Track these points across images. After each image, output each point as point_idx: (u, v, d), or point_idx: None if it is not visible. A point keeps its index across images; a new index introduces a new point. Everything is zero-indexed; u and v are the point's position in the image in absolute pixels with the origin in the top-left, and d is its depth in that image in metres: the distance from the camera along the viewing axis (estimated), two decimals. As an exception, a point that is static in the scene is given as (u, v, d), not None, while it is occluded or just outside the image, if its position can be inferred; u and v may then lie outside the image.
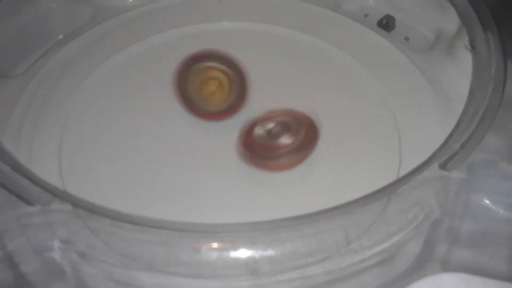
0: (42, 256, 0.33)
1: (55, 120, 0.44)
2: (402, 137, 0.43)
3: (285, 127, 0.40)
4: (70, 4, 0.55)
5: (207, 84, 0.43)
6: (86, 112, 0.45)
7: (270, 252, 0.33)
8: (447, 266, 0.35)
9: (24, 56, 0.51)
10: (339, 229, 0.34)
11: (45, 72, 0.48)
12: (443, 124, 0.41)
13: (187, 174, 0.41)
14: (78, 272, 0.33)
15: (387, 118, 0.45)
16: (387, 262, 0.35)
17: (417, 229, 0.35)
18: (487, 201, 0.37)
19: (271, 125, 0.40)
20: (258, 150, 0.39)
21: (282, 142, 0.39)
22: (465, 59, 0.46)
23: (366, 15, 0.56)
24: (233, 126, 0.42)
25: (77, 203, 0.34)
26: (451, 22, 0.51)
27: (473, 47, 0.45)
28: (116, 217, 0.33)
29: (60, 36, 0.53)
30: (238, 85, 0.43)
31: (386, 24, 0.54)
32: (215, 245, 0.33)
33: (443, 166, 0.36)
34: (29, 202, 0.34)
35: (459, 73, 0.46)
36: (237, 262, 0.33)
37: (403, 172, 0.40)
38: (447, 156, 0.36)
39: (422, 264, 0.35)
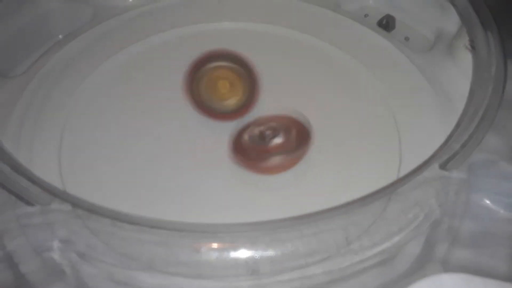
0: (42, 256, 0.33)
1: (55, 120, 0.44)
2: (402, 137, 0.43)
3: (276, 131, 0.39)
4: (70, 4, 0.55)
5: (219, 85, 0.43)
6: (86, 112, 0.45)
7: (270, 252, 0.33)
8: (447, 266, 0.35)
9: (24, 56, 0.51)
10: (339, 229, 0.34)
11: (45, 72, 0.48)
12: (443, 124, 0.41)
13: (187, 174, 0.41)
14: (77, 272, 0.33)
15: (387, 118, 0.45)
16: (387, 262, 0.35)
17: (417, 229, 0.35)
18: (487, 201, 0.37)
19: (261, 128, 0.40)
20: (249, 153, 0.39)
21: (273, 145, 0.39)
22: (465, 59, 0.46)
23: (366, 15, 0.56)
24: (234, 126, 0.42)
25: (76, 203, 0.34)
26: (451, 22, 0.51)
27: (473, 47, 0.44)
28: (116, 217, 0.33)
29: (60, 36, 0.53)
30: (249, 84, 0.43)
31: (386, 24, 0.54)
32: (215, 245, 0.33)
33: (443, 166, 0.36)
34: (28, 202, 0.34)
35: (459, 73, 0.46)
36: (237, 262, 0.33)
37: (403, 172, 0.40)
38: (447, 156, 0.36)
39: (423, 264, 0.35)
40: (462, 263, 0.35)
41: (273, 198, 0.40)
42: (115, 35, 0.52)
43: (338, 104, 0.46)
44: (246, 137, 0.40)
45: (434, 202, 0.35)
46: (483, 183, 0.37)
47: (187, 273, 0.33)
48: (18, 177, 0.34)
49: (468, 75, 0.44)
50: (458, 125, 0.39)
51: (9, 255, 0.34)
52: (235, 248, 0.33)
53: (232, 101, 0.43)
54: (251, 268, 0.33)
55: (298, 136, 0.39)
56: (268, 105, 0.44)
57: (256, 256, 0.33)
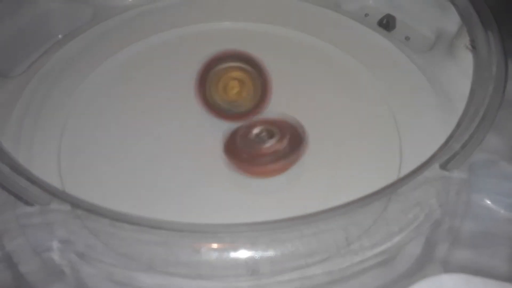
0: (41, 256, 0.33)
1: (55, 120, 0.44)
2: (403, 137, 0.43)
3: (269, 134, 0.39)
4: (69, 4, 0.54)
5: (231, 86, 0.43)
6: (85, 112, 0.45)
7: (270, 253, 0.33)
8: (447, 267, 0.35)
9: (24, 56, 0.51)
10: (339, 229, 0.34)
11: (45, 72, 0.48)
12: (444, 124, 0.41)
13: (187, 174, 0.40)
14: (77, 272, 0.33)
15: (387, 118, 0.45)
16: (388, 263, 0.35)
17: (417, 230, 0.35)
18: (488, 201, 0.37)
19: (254, 131, 0.40)
20: (242, 156, 0.39)
21: (267, 148, 0.39)
22: (466, 59, 0.46)
23: (366, 15, 0.56)
24: (234, 126, 0.42)
25: (76, 203, 0.34)
26: (451, 21, 0.51)
27: (473, 47, 0.44)
28: (115, 217, 0.33)
29: (60, 36, 0.53)
30: (261, 84, 0.43)
31: (387, 23, 0.54)
32: (215, 245, 0.33)
33: (443, 166, 0.36)
34: (28, 202, 0.34)
35: (459, 73, 0.46)
36: (237, 262, 0.33)
37: (403, 172, 0.40)
38: (447, 156, 0.36)
39: (423, 265, 0.35)
40: (462, 263, 0.35)
41: (273, 198, 0.40)
42: (115, 35, 0.52)
43: (338, 104, 0.46)
44: (239, 140, 0.40)
45: (434, 202, 0.35)
46: (483, 183, 0.37)
47: (187, 274, 0.33)
48: (18, 177, 0.34)
49: (468, 75, 0.44)
50: (458, 125, 0.39)
51: (9, 255, 0.34)
52: (235, 248, 0.33)
53: (244, 102, 0.43)
54: (251, 268, 0.33)
55: (292, 140, 0.39)
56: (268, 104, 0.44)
57: (256, 257, 0.33)
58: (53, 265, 0.33)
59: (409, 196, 0.35)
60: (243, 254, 0.33)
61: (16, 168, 0.35)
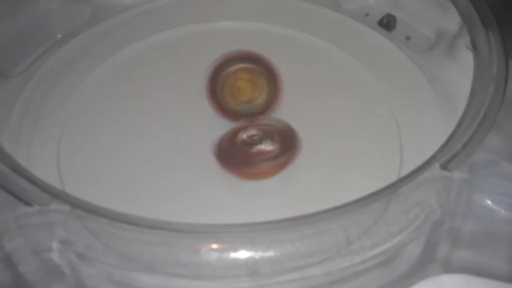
0: (41, 256, 0.33)
1: (54, 120, 0.44)
2: (403, 137, 0.43)
3: (261, 136, 0.39)
4: (69, 3, 0.54)
5: (243, 87, 0.43)
6: (85, 112, 0.45)
7: (270, 253, 0.33)
8: (448, 267, 0.35)
9: (23, 56, 0.51)
10: (339, 229, 0.34)
11: (44, 72, 0.48)
12: (444, 124, 0.41)
13: (187, 175, 0.40)
14: (77, 272, 0.33)
15: (387, 118, 0.45)
16: (388, 263, 0.34)
17: (418, 230, 0.35)
18: (489, 201, 0.37)
19: (247, 133, 0.40)
20: (234, 158, 0.39)
21: (258, 150, 0.39)
22: (466, 59, 0.46)
23: (366, 14, 0.56)
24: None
25: (75, 204, 0.34)
26: (452, 21, 0.50)
27: (474, 47, 0.44)
28: (115, 217, 0.33)
29: (59, 36, 0.53)
30: (272, 81, 0.43)
31: (387, 23, 0.54)
32: (215, 246, 0.33)
33: (444, 166, 0.36)
34: (27, 203, 0.34)
35: (460, 72, 0.46)
36: (237, 263, 0.32)
37: (404, 173, 0.40)
38: (448, 156, 0.36)
39: (423, 265, 0.35)
40: (463, 263, 0.35)
41: (274, 198, 0.40)
42: (115, 35, 0.52)
43: (338, 103, 0.46)
44: (231, 142, 0.40)
45: (435, 202, 0.35)
46: (484, 183, 0.37)
47: (186, 274, 0.33)
48: (17, 177, 0.34)
49: (469, 75, 0.44)
50: (459, 125, 0.39)
51: (8, 256, 0.34)
52: (235, 249, 0.32)
53: (258, 102, 0.43)
54: (251, 268, 0.33)
55: (283, 142, 0.39)
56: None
57: (256, 257, 0.32)
58: (52, 265, 0.33)
59: (409, 196, 0.35)
60: (243, 254, 0.32)
61: (16, 168, 0.35)
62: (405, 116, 0.44)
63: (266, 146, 0.39)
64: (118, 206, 0.33)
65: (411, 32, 0.54)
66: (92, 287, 0.33)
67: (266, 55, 0.43)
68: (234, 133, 0.40)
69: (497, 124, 0.37)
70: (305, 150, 0.40)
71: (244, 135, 0.40)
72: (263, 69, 0.43)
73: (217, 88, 0.43)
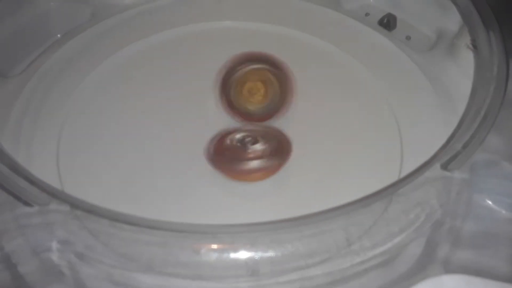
0: (40, 257, 0.33)
1: (54, 120, 0.44)
2: (403, 137, 0.43)
3: (255, 138, 0.40)
4: (68, 3, 0.54)
5: (256, 88, 0.43)
6: (85, 111, 0.45)
7: (270, 253, 0.33)
8: (448, 267, 0.35)
9: (23, 56, 0.51)
10: (339, 230, 0.34)
11: (44, 72, 0.48)
12: (445, 124, 0.41)
13: (187, 175, 0.40)
14: (76, 273, 0.33)
15: (387, 118, 0.45)
16: (388, 264, 0.34)
17: (418, 230, 0.35)
18: (489, 202, 0.37)
19: (240, 135, 0.40)
20: (228, 158, 0.39)
21: (252, 152, 0.39)
22: (467, 59, 0.45)
23: (367, 14, 0.56)
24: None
25: (75, 204, 0.34)
26: (452, 21, 0.50)
27: (475, 47, 0.44)
28: (115, 217, 0.33)
29: (59, 35, 0.53)
30: (284, 81, 0.43)
31: (387, 23, 0.54)
32: (214, 246, 0.33)
33: (445, 167, 0.36)
34: (27, 203, 0.34)
35: (460, 72, 0.46)
36: (237, 263, 0.32)
37: (404, 173, 0.39)
38: (449, 156, 0.36)
39: (424, 266, 0.35)
40: (463, 263, 0.35)
41: (273, 198, 0.40)
42: (114, 34, 0.52)
43: (338, 103, 0.46)
44: (224, 143, 0.40)
45: (435, 202, 0.35)
46: (485, 183, 0.37)
47: (186, 274, 0.33)
48: (17, 178, 0.34)
49: (469, 75, 0.44)
50: (459, 125, 0.39)
51: (8, 256, 0.34)
52: (235, 249, 0.32)
53: (271, 102, 0.43)
54: (251, 269, 0.33)
55: (274, 145, 0.39)
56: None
57: (256, 257, 0.32)
58: (52, 265, 0.33)
59: (410, 196, 0.35)
60: (243, 254, 0.32)
61: (15, 168, 0.35)
62: (405, 116, 0.44)
63: (257, 147, 0.39)
64: (117, 206, 0.33)
65: (411, 32, 0.54)
66: (92, 287, 0.33)
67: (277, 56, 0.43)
68: (223, 136, 0.41)
69: (498, 124, 0.37)
70: (305, 150, 0.40)
71: (235, 137, 0.40)
72: (274, 69, 0.43)
73: (229, 90, 0.43)
